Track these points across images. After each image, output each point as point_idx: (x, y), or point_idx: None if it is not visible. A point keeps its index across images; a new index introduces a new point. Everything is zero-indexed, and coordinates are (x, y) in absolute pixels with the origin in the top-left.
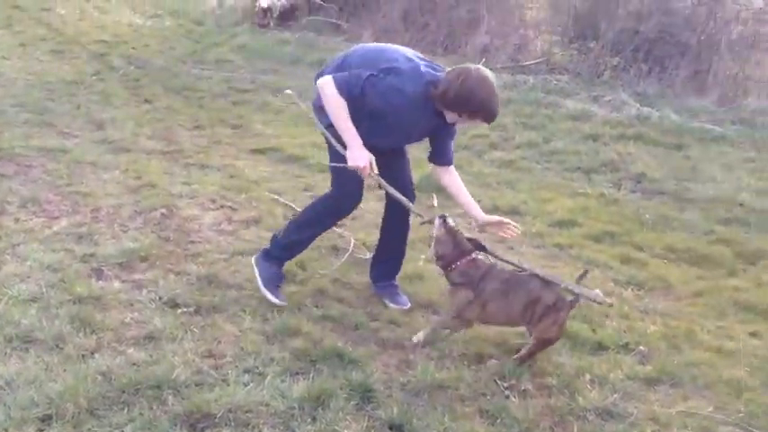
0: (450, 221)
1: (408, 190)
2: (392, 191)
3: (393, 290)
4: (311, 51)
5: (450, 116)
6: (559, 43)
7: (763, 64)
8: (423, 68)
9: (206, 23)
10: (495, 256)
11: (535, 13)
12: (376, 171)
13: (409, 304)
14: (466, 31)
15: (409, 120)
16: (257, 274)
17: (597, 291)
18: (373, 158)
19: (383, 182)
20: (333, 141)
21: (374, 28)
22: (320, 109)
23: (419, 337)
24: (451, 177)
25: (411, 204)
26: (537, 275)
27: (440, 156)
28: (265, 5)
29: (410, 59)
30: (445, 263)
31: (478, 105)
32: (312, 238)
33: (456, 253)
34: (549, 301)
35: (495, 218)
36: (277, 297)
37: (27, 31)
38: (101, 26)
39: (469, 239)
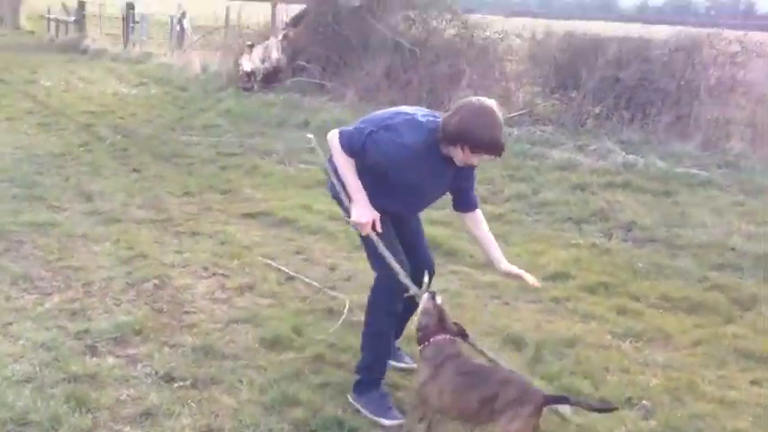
0: (439, 300)
1: (427, 258)
2: (387, 256)
3: (395, 351)
4: (296, 112)
5: (455, 154)
6: (541, 94)
7: (743, 107)
8: (420, 118)
9: (191, 89)
10: (474, 347)
11: (515, 65)
12: (379, 230)
13: (413, 363)
14: (448, 86)
15: (415, 175)
16: (365, 412)
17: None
18: (377, 216)
19: (381, 244)
20: (343, 197)
21: (357, 86)
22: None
23: None
24: (476, 223)
25: (402, 273)
26: (503, 371)
27: (461, 202)
28: (249, 69)
29: (407, 113)
30: (424, 335)
31: (479, 136)
32: (388, 334)
33: (437, 328)
34: (511, 396)
35: (516, 270)
36: (395, 418)
37: (13, 105)
38: (86, 97)
39: (455, 324)
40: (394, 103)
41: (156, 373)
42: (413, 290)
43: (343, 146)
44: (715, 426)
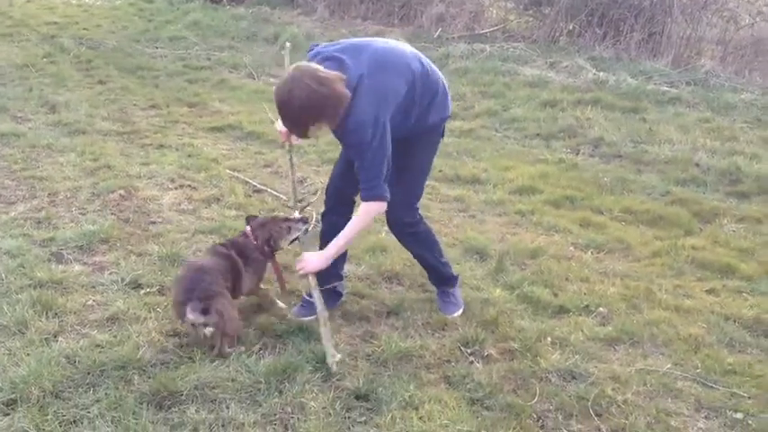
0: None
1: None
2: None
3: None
4: (266, 26)
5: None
6: (515, 11)
7: (714, 25)
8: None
9: (157, 1)
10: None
11: None
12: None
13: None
14: (421, 1)
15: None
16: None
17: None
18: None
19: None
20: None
21: (329, 0)
22: None
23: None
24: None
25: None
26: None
27: None
28: None
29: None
30: None
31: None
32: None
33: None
34: None
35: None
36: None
37: None
38: (50, 7)
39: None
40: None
41: (123, 280)
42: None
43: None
44: (669, 332)
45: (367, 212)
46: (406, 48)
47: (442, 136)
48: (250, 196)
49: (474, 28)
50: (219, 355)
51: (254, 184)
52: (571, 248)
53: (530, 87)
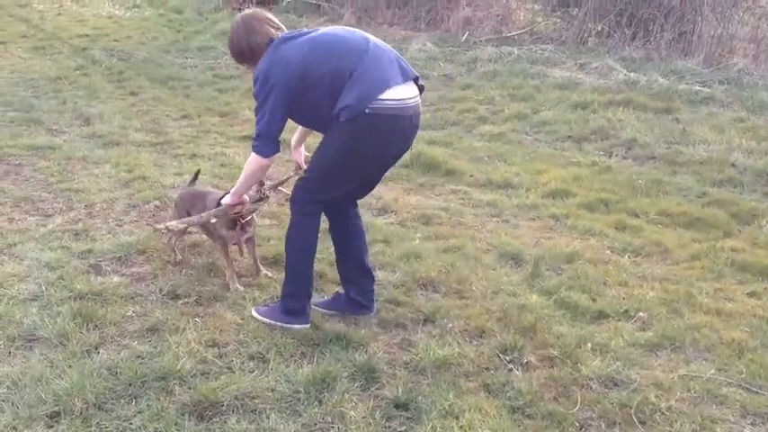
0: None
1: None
2: None
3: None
4: None
5: None
6: (542, 12)
7: (746, 23)
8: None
9: (185, 12)
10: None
11: None
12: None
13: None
14: (447, 5)
15: None
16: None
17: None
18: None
19: None
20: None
21: (355, 7)
22: None
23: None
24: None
25: None
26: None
27: None
28: None
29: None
30: None
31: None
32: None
33: None
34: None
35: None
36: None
37: (6, 29)
38: (80, 20)
39: None
40: (391, 25)
41: (161, 290)
42: None
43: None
44: (711, 336)
45: (248, 163)
46: (357, 34)
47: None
48: (282, 205)
49: (501, 31)
50: None
51: (286, 192)
52: (608, 252)
53: (560, 89)
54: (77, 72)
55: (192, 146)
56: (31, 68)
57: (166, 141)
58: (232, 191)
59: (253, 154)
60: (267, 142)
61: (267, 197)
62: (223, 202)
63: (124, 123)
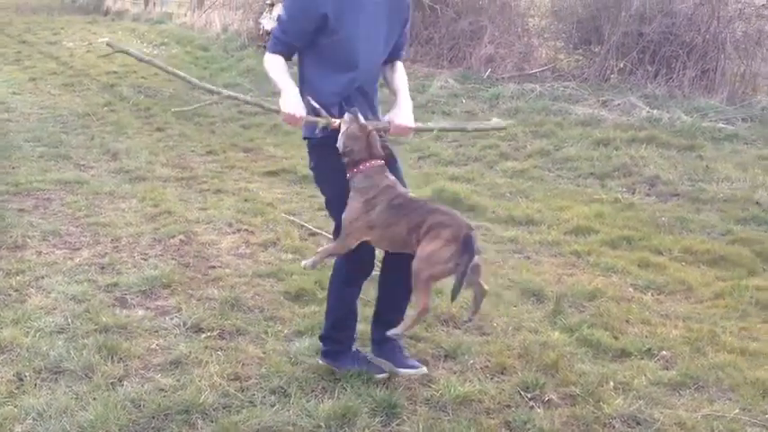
0: (362, 119)
1: None
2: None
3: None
4: None
5: None
6: (564, 49)
7: None
8: None
9: (211, 49)
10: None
11: (538, 20)
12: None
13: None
14: (469, 43)
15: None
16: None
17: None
18: (303, 113)
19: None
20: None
21: None
22: None
23: (307, 262)
24: (393, 68)
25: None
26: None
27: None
28: (269, 28)
29: None
30: (352, 160)
31: None
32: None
33: (366, 154)
34: (436, 221)
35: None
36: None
37: (37, 66)
38: (109, 57)
39: (383, 146)
40: (414, 62)
41: (185, 324)
42: (322, 119)
43: (270, 47)
44: (736, 375)
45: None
46: None
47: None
48: (306, 240)
49: (523, 68)
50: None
51: (310, 227)
52: (630, 290)
53: (582, 126)
54: (105, 108)
55: (216, 181)
56: (61, 104)
57: (192, 176)
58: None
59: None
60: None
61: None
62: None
63: (150, 159)
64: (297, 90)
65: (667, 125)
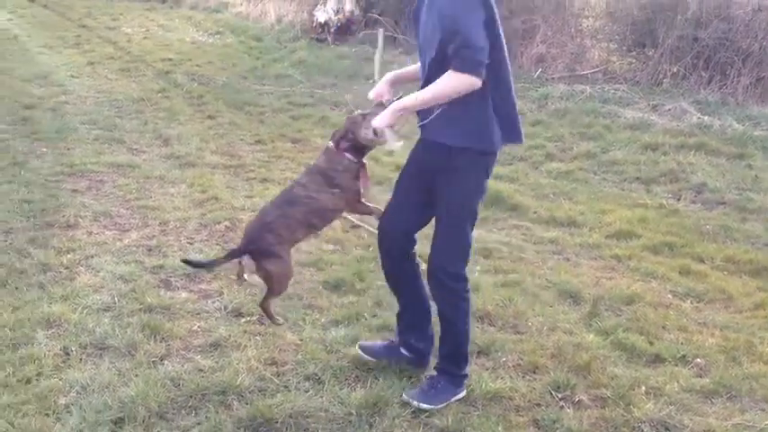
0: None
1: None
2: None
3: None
4: (368, 65)
5: None
6: (617, 51)
7: None
8: None
9: (265, 40)
10: None
11: (592, 21)
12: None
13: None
14: (521, 42)
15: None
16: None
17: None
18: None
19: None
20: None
21: None
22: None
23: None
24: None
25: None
26: None
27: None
28: (323, 20)
29: None
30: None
31: None
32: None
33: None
34: None
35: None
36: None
37: (95, 50)
38: (165, 44)
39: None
40: None
41: (226, 308)
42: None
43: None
44: None
45: (449, 77)
46: None
47: (487, 176)
48: (347, 231)
49: (575, 69)
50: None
51: (352, 219)
52: (669, 296)
53: (630, 130)
54: (159, 95)
55: (263, 170)
56: (117, 89)
57: (239, 165)
58: (410, 98)
59: (461, 74)
60: (477, 56)
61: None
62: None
63: (201, 146)
64: None
65: (718, 132)
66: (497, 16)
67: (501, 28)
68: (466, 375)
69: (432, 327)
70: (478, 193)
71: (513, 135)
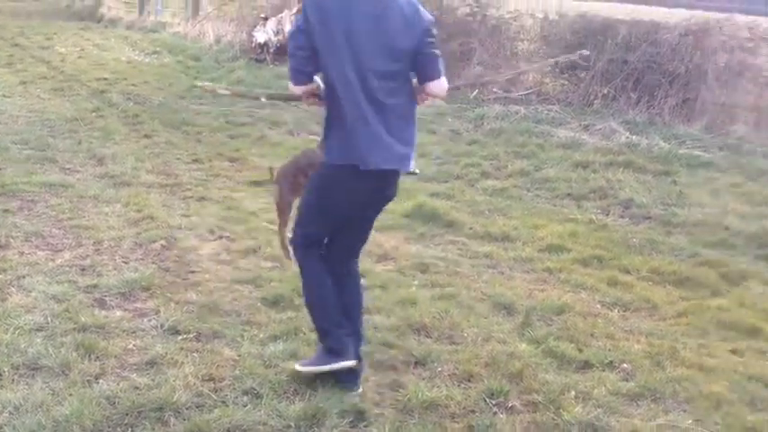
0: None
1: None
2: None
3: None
4: None
5: None
6: (550, 74)
7: (749, 92)
8: None
9: (203, 59)
10: None
11: (527, 45)
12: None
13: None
14: (458, 64)
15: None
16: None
17: None
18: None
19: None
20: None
21: None
22: None
23: None
24: None
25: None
26: None
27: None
28: (262, 41)
29: None
30: None
31: None
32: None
33: None
34: None
35: None
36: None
37: (28, 70)
38: (100, 64)
39: None
40: None
41: (162, 326)
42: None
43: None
44: (691, 389)
45: None
46: None
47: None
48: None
49: (510, 90)
50: None
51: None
52: (597, 306)
53: (563, 149)
54: (94, 114)
55: (200, 189)
56: (49, 109)
57: (176, 184)
58: None
59: None
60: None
61: None
62: None
63: (136, 165)
64: None
65: (645, 150)
66: (334, 26)
67: (349, 43)
68: (333, 349)
69: (358, 324)
70: (313, 193)
71: (352, 155)
